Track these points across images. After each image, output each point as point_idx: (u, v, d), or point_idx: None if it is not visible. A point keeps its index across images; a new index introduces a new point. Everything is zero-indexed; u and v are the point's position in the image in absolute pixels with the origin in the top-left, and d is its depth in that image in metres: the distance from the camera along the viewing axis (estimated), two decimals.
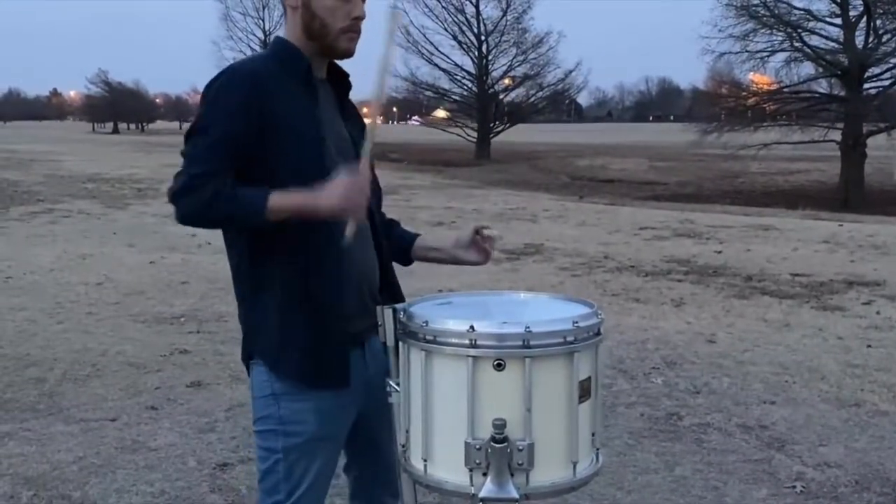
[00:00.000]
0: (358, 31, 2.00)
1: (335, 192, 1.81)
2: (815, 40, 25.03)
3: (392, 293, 2.07)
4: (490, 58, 42.12)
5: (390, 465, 2.17)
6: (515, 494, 1.60)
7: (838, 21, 24.50)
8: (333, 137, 2.00)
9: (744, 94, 27.21)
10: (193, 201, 1.86)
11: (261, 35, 52.86)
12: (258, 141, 1.88)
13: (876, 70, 24.80)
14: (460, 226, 12.44)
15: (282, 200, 1.85)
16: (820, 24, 24.95)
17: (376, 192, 2.19)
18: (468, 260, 2.15)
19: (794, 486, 3.55)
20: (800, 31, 24.86)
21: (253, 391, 2.01)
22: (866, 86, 24.77)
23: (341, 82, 2.11)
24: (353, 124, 2.09)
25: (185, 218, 1.89)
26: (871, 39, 24.39)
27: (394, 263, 2.18)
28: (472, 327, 1.63)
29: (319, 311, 1.93)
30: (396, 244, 2.22)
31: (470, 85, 42.77)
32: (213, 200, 1.84)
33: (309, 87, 1.98)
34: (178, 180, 1.88)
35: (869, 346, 5.77)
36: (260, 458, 2.00)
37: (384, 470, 2.17)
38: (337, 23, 1.96)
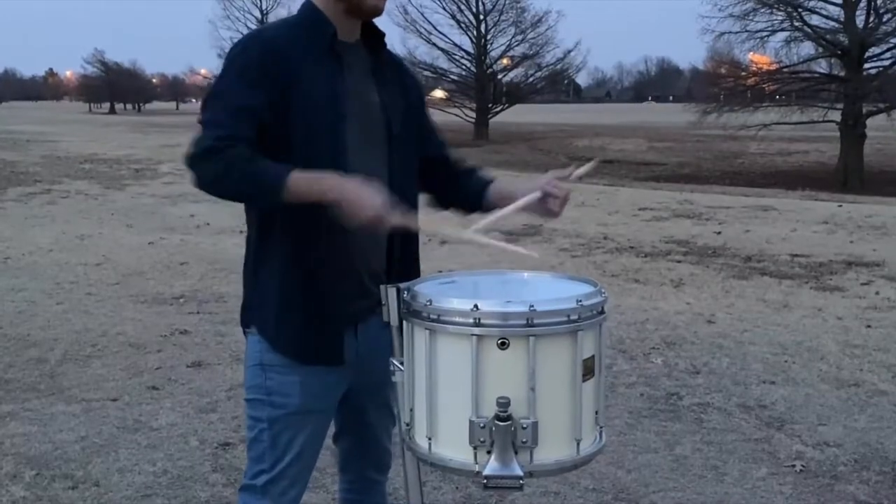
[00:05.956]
0: None
1: (373, 203, 1.73)
2: (815, 20, 24.90)
3: (406, 270, 1.98)
4: (489, 37, 41.85)
5: (378, 441, 2.18)
6: (519, 472, 1.61)
7: (839, 0, 24.35)
8: (360, 107, 1.93)
9: (743, 74, 27.07)
10: (215, 165, 1.77)
11: (258, 14, 52.70)
12: (274, 110, 1.83)
13: (876, 50, 24.66)
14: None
15: (304, 182, 1.76)
16: (820, 4, 24.79)
17: (433, 139, 2.14)
18: (536, 210, 1.97)
19: (794, 466, 3.57)
20: (800, 10, 24.70)
21: (246, 359, 2.01)
22: (866, 66, 24.64)
23: (377, 43, 2.01)
24: (386, 89, 2.01)
25: (202, 181, 1.80)
26: (871, 19, 24.24)
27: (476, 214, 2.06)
28: (476, 306, 1.62)
29: (317, 292, 1.91)
30: (473, 192, 2.09)
31: (468, 65, 42.53)
32: (233, 164, 1.76)
33: (333, 56, 1.91)
34: (201, 143, 1.79)
35: (868, 326, 5.79)
36: (248, 426, 2.01)
37: (372, 444, 2.18)
38: None
